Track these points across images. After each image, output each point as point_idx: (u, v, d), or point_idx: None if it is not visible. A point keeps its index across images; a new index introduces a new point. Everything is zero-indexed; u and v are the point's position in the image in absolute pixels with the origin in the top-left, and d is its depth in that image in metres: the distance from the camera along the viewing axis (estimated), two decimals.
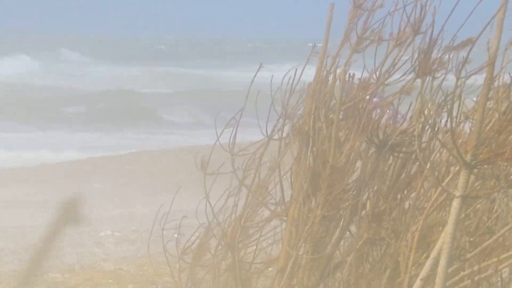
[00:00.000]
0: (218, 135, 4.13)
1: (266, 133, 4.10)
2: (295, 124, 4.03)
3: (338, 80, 3.93)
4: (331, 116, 3.90)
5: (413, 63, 3.70)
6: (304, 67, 4.02)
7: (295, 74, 4.01)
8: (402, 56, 3.86)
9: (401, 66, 3.87)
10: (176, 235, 4.28)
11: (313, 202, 3.86)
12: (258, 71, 4.06)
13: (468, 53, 3.07)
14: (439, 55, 3.53)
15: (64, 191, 11.33)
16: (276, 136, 4.10)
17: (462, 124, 3.61)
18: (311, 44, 4.04)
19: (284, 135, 4.10)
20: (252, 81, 4.07)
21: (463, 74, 3.11)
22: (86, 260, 8.16)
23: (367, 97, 3.89)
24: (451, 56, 3.42)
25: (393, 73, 3.91)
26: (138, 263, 7.83)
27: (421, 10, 3.63)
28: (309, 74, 4.06)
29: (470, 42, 3.34)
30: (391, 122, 3.81)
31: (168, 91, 32.81)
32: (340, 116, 3.88)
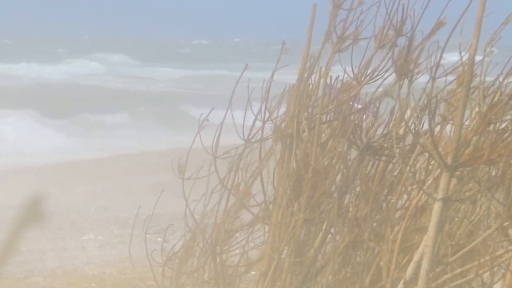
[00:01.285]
0: (197, 137, 4.12)
1: (243, 136, 4.10)
2: (278, 127, 4.02)
3: (322, 81, 3.93)
4: (314, 118, 3.89)
5: (393, 65, 3.70)
6: (276, 68, 4.01)
7: (272, 76, 4.00)
8: (385, 58, 3.86)
9: (385, 69, 3.87)
10: (159, 239, 4.27)
11: (295, 206, 3.86)
12: (243, 71, 4.05)
13: (441, 54, 3.06)
14: (416, 56, 3.53)
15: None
16: (255, 139, 4.09)
17: (443, 127, 3.62)
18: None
19: (264, 137, 4.09)
20: (237, 82, 4.06)
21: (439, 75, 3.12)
22: (68, 264, 8.13)
23: (350, 101, 3.89)
24: (429, 57, 3.42)
25: (375, 76, 3.91)
26: (121, 267, 7.81)
27: (403, 11, 3.62)
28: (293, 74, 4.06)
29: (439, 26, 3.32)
30: (372, 121, 3.81)
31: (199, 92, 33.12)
32: (325, 119, 3.88)
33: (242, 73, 4.04)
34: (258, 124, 4.09)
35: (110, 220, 10.30)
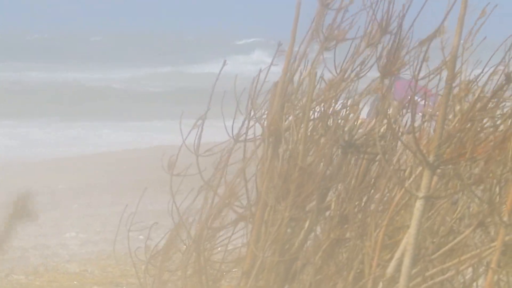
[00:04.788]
0: (184, 135, 4.12)
1: (232, 134, 4.10)
2: (263, 125, 4.02)
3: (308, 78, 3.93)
4: (299, 115, 3.90)
5: (378, 63, 3.71)
6: (269, 66, 4.01)
7: (259, 74, 4.01)
8: (371, 56, 3.87)
9: (371, 66, 3.88)
10: (141, 237, 4.26)
11: (281, 204, 3.86)
12: (222, 68, 4.05)
13: (425, 53, 3.08)
14: (402, 55, 3.55)
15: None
16: (242, 137, 4.09)
17: (425, 124, 3.63)
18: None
19: (251, 136, 4.10)
20: (217, 78, 4.05)
21: (422, 73, 3.13)
22: (50, 262, 8.11)
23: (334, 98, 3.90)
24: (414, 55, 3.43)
25: (362, 75, 3.92)
26: (103, 265, 7.80)
27: (388, 9, 3.64)
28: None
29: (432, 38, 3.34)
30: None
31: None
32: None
33: (221, 69, 4.03)
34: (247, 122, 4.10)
35: (92, 218, 10.27)
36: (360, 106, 3.88)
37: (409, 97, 3.41)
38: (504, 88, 3.13)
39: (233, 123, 4.08)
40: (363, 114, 3.89)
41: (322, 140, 3.83)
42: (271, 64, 4.01)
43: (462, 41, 3.17)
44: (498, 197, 3.08)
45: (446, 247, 3.22)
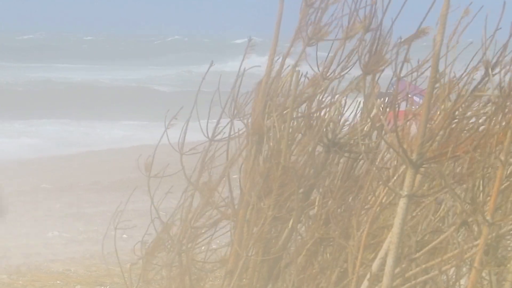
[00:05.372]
0: (165, 133, 4.10)
1: (207, 134, 4.09)
2: (246, 124, 4.01)
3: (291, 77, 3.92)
4: (284, 113, 3.89)
5: (360, 61, 3.71)
6: (241, 64, 4.00)
7: (239, 71, 4.00)
8: (353, 54, 3.86)
9: (353, 63, 3.88)
10: (125, 236, 4.25)
11: (264, 203, 3.85)
12: (209, 68, 4.04)
13: (407, 52, 3.07)
14: (384, 53, 3.54)
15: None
16: (221, 136, 4.08)
17: (408, 123, 3.63)
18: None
19: (231, 134, 4.08)
20: (203, 78, 4.04)
21: (404, 72, 3.12)
22: (33, 261, 8.08)
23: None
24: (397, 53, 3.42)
25: (343, 72, 3.91)
26: (86, 264, 7.78)
27: (371, 7, 3.63)
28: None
29: (418, 35, 3.34)
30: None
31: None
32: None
33: (208, 69, 4.03)
34: (225, 121, 4.09)
35: (75, 217, 10.24)
36: (343, 103, 3.87)
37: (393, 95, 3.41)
38: (484, 81, 3.13)
39: (216, 123, 4.08)
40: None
41: (305, 138, 3.83)
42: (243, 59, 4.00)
43: (447, 40, 3.17)
44: (481, 196, 3.08)
45: (429, 246, 3.21)
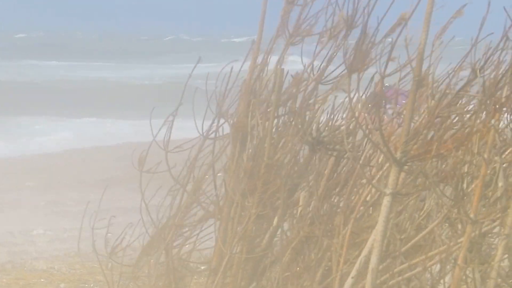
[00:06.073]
0: (154, 132, 4.10)
1: (202, 132, 4.09)
2: (230, 122, 4.01)
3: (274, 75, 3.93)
4: (267, 111, 3.89)
5: (345, 59, 3.71)
6: (242, 64, 4.01)
7: (231, 71, 4.00)
8: (336, 52, 3.87)
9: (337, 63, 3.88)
10: (110, 234, 4.24)
11: (248, 201, 3.85)
12: (196, 65, 4.04)
13: (391, 50, 3.07)
14: (368, 51, 3.54)
15: None
16: (212, 135, 4.09)
17: (393, 121, 3.64)
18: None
19: (220, 134, 4.09)
20: (190, 76, 4.04)
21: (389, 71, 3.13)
22: (17, 259, 8.05)
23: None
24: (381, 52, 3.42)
25: (328, 71, 3.91)
26: (70, 262, 7.75)
27: (354, 4, 3.63)
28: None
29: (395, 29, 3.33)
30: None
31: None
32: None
33: (193, 68, 4.03)
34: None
35: (60, 215, 10.21)
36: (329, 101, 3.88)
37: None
38: (471, 84, 3.14)
39: (203, 121, 4.08)
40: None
41: (288, 136, 3.83)
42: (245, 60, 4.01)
43: (432, 38, 3.18)
44: (462, 194, 3.09)
45: (412, 242, 3.22)
